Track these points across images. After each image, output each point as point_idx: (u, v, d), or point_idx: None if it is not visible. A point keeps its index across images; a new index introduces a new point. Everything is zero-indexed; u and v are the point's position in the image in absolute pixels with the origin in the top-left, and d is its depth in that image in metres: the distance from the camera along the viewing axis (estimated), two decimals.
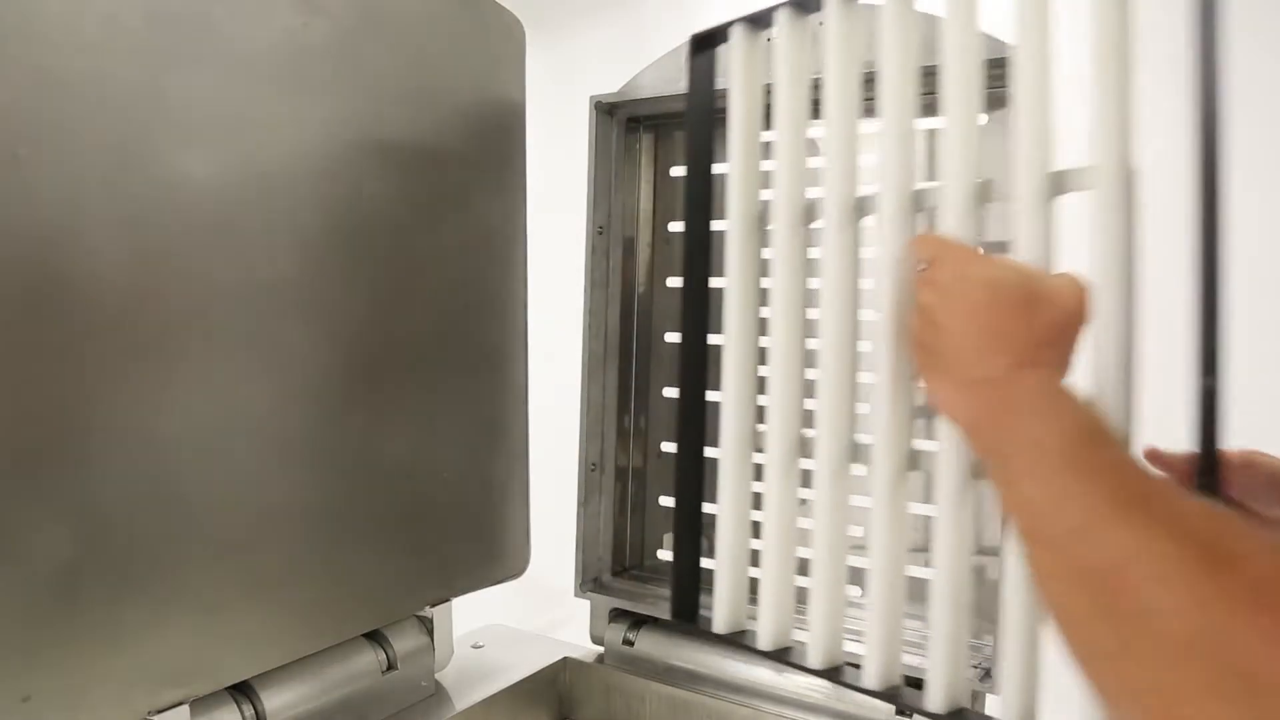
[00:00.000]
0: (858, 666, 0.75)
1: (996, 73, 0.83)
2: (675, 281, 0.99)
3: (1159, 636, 0.32)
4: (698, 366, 0.80)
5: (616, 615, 1.02)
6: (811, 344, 0.73)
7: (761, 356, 0.79)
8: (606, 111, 0.99)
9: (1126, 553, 0.33)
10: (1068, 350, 0.46)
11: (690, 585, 0.82)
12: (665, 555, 1.08)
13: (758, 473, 0.80)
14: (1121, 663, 0.33)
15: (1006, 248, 0.55)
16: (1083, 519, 0.36)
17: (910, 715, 0.83)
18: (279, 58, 0.73)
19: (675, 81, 0.94)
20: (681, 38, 0.96)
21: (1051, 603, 0.37)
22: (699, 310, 0.80)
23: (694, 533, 0.82)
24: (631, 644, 0.99)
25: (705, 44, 0.77)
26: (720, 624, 0.81)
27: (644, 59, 0.98)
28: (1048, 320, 0.45)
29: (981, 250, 0.53)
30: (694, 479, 0.81)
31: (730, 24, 0.74)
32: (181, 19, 0.65)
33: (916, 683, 0.74)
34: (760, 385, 0.79)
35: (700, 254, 0.79)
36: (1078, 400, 0.43)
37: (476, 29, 0.92)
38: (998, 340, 0.45)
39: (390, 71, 0.82)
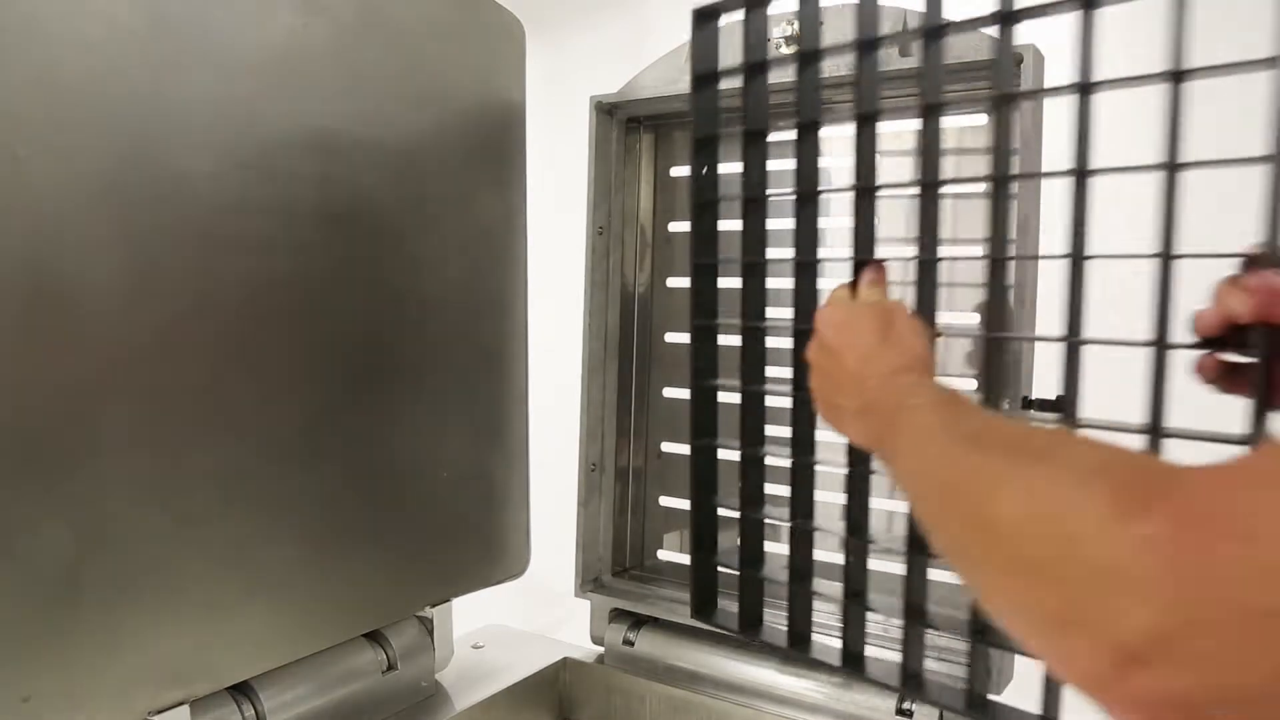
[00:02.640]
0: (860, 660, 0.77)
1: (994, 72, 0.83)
2: (675, 281, 0.98)
3: (990, 532, 0.40)
4: (709, 365, 0.82)
5: (616, 615, 1.02)
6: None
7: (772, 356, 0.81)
8: (606, 111, 0.99)
9: (963, 472, 0.44)
10: (922, 361, 0.59)
11: (708, 585, 0.84)
12: (665, 555, 1.08)
13: (773, 473, 0.82)
14: (965, 554, 0.42)
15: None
16: (939, 460, 0.47)
17: (911, 715, 0.83)
18: (279, 58, 0.72)
19: (675, 81, 0.94)
20: (682, 38, 0.96)
21: (930, 529, 0.46)
22: (707, 305, 0.81)
23: (711, 533, 0.84)
24: (631, 644, 0.99)
25: (708, 17, 0.80)
26: (739, 623, 0.82)
27: (644, 59, 0.98)
28: (901, 348, 0.59)
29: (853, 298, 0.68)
30: (709, 480, 0.83)
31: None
32: (182, 19, 0.65)
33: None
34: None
35: (707, 243, 0.81)
36: (937, 387, 0.55)
37: (476, 29, 0.92)
38: (867, 363, 0.59)
39: (390, 72, 0.82)
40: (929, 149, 0.70)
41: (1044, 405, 0.67)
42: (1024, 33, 0.78)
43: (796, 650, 0.79)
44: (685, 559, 1.00)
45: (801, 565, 0.78)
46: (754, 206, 0.77)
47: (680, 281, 1.01)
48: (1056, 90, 0.63)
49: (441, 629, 0.93)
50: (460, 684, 0.93)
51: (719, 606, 0.85)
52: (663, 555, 1.08)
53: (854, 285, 0.69)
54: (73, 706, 0.61)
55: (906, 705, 0.84)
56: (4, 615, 0.57)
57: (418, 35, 0.85)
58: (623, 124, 1.02)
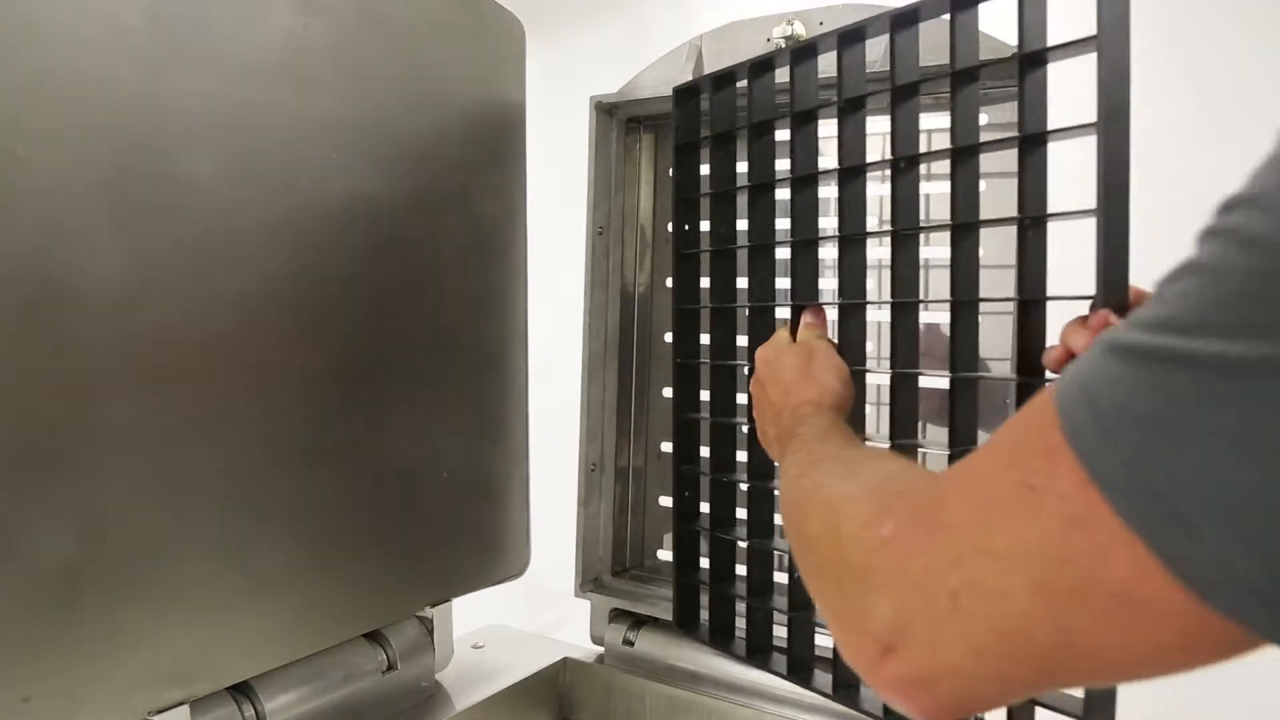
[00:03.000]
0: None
1: (996, 71, 0.83)
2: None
3: (805, 542, 0.48)
4: (692, 400, 0.92)
5: (616, 615, 1.02)
6: None
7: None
8: (606, 111, 0.99)
9: (797, 492, 0.51)
10: (829, 399, 0.67)
11: (690, 601, 0.92)
12: (665, 555, 1.08)
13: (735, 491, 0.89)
14: (798, 561, 0.49)
15: None
16: (790, 483, 0.54)
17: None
18: (279, 58, 0.72)
19: (675, 81, 0.94)
20: (681, 38, 0.96)
21: (789, 539, 0.52)
22: (689, 333, 0.92)
23: (692, 554, 0.92)
24: (631, 644, 0.99)
25: (687, 95, 0.91)
26: (709, 634, 0.90)
27: (644, 59, 0.98)
28: (813, 384, 0.67)
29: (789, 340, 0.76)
30: (692, 507, 0.92)
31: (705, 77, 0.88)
32: (181, 20, 0.65)
33: None
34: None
35: (689, 291, 0.92)
36: (826, 420, 0.62)
37: (476, 29, 0.92)
38: (786, 396, 0.68)
39: (390, 72, 0.82)
40: (853, 203, 0.78)
41: None
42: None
43: (754, 662, 0.86)
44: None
45: (759, 582, 0.86)
46: (722, 258, 0.88)
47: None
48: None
49: (441, 629, 0.93)
50: (460, 684, 0.93)
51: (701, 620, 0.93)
52: (663, 555, 1.08)
53: (793, 329, 0.77)
54: (73, 707, 0.61)
55: None
56: (4, 615, 0.57)
57: (418, 35, 0.85)
58: (623, 124, 1.02)
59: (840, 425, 0.62)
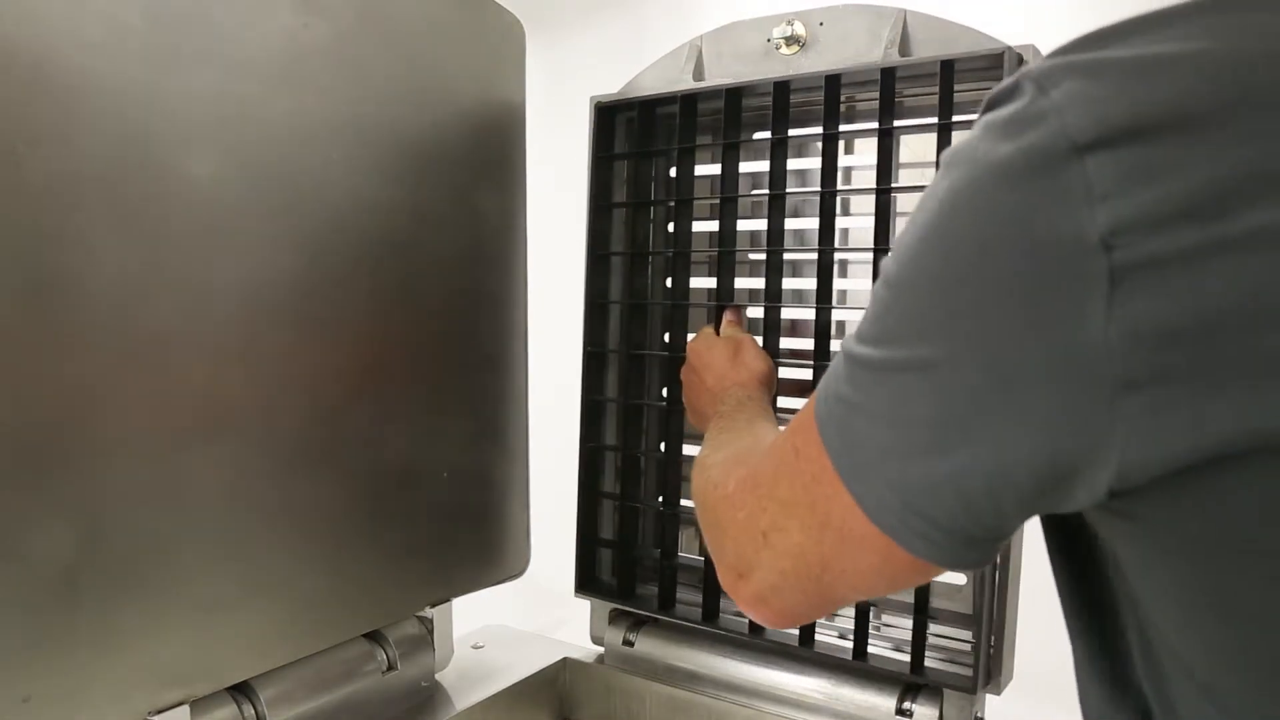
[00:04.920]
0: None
1: (995, 72, 0.83)
2: (672, 282, 0.99)
3: (694, 498, 0.59)
4: (599, 385, 1.03)
5: (616, 615, 1.02)
6: None
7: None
8: (605, 110, 0.99)
9: (700, 459, 0.64)
10: (758, 381, 0.79)
11: (590, 562, 1.04)
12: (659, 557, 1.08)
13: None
14: (705, 529, 0.57)
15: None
16: (702, 461, 0.63)
17: (910, 715, 0.83)
18: (279, 58, 0.72)
19: (675, 82, 0.95)
20: (682, 38, 0.96)
21: (698, 511, 0.60)
22: (598, 324, 1.01)
23: (593, 517, 1.04)
24: (631, 644, 0.99)
25: (608, 113, 1.00)
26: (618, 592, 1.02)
27: (644, 59, 0.98)
28: (744, 369, 0.80)
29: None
30: (595, 472, 1.04)
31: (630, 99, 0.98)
32: (181, 19, 0.65)
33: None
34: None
35: (600, 275, 1.01)
36: (749, 398, 0.74)
37: (476, 29, 0.92)
38: (720, 380, 0.79)
39: (390, 72, 0.82)
40: (778, 227, 0.90)
41: None
42: (1023, 33, 0.78)
43: (662, 612, 0.97)
44: (686, 559, 1.00)
45: (668, 544, 0.97)
46: (639, 262, 1.02)
47: (672, 281, 1.01)
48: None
49: (441, 629, 0.93)
50: (460, 684, 0.93)
51: (601, 580, 1.04)
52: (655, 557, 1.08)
53: (716, 325, 0.90)
54: (73, 706, 0.61)
55: (906, 705, 0.84)
56: (4, 615, 0.57)
57: (418, 35, 0.85)
58: (623, 124, 1.02)
59: (755, 403, 0.74)
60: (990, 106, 0.38)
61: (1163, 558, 0.37)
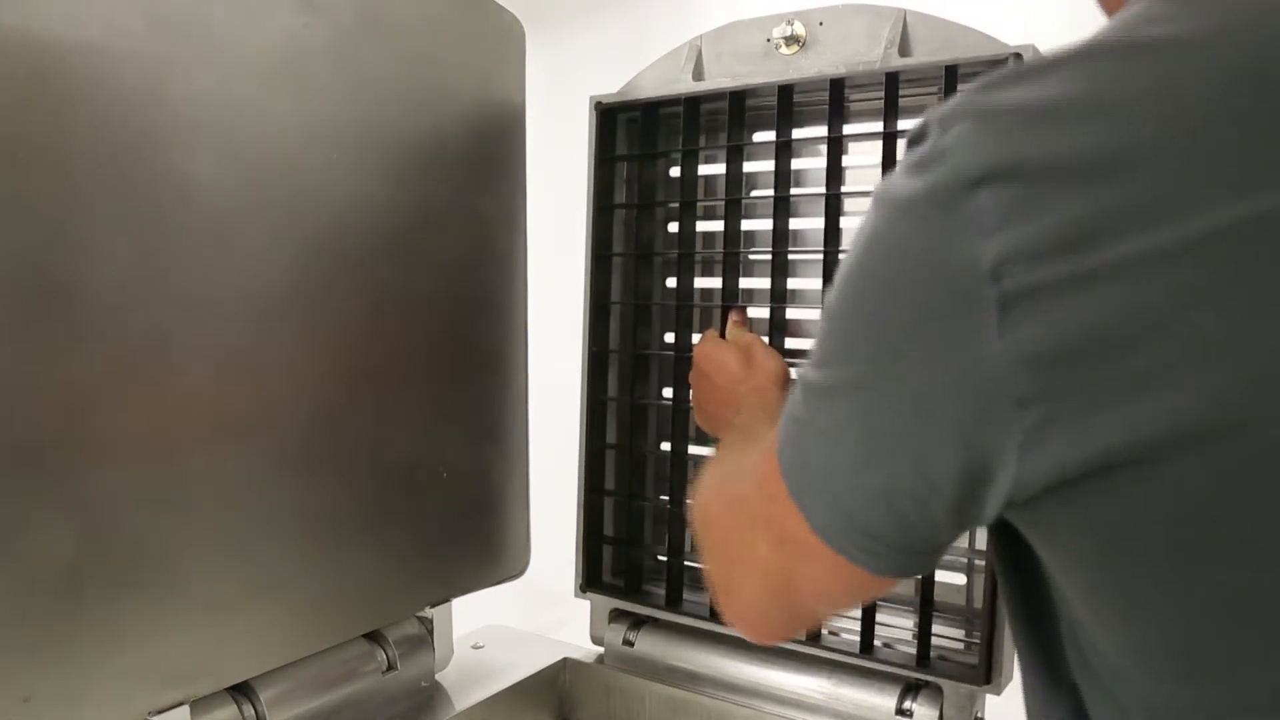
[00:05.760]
0: None
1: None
2: (675, 282, 0.99)
3: (700, 530, 0.58)
4: (602, 386, 1.03)
5: (616, 615, 1.02)
6: None
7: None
8: (606, 111, 0.99)
9: (704, 489, 0.60)
10: (774, 381, 0.76)
11: (595, 560, 1.03)
12: (665, 556, 1.08)
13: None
14: (705, 547, 0.57)
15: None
16: (702, 480, 0.62)
17: (911, 715, 0.83)
18: (279, 59, 0.73)
19: (675, 82, 0.94)
20: (682, 38, 0.96)
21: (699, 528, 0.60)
22: (601, 325, 1.01)
23: (598, 516, 1.03)
24: (631, 644, 1.00)
25: (609, 114, 1.00)
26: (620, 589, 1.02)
27: (644, 59, 0.98)
28: (759, 370, 0.76)
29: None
30: (599, 471, 1.03)
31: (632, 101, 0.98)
32: (182, 20, 0.65)
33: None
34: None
35: (603, 276, 1.01)
36: (756, 409, 0.71)
37: (476, 29, 0.92)
38: (735, 383, 0.77)
39: (390, 72, 0.82)
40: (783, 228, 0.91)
41: None
42: (1023, 33, 0.78)
43: (670, 609, 0.97)
44: (690, 559, 1.00)
45: (676, 542, 0.98)
46: (642, 262, 1.02)
47: (676, 282, 1.01)
48: None
49: (441, 629, 0.93)
50: (460, 684, 0.93)
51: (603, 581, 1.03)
52: (663, 556, 1.08)
53: (722, 327, 0.89)
54: (73, 706, 0.61)
55: (906, 705, 0.84)
56: (4, 615, 0.57)
57: (418, 35, 0.85)
58: (623, 124, 1.02)
59: (768, 411, 0.73)
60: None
61: (1070, 560, 0.41)
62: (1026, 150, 0.36)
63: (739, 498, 0.51)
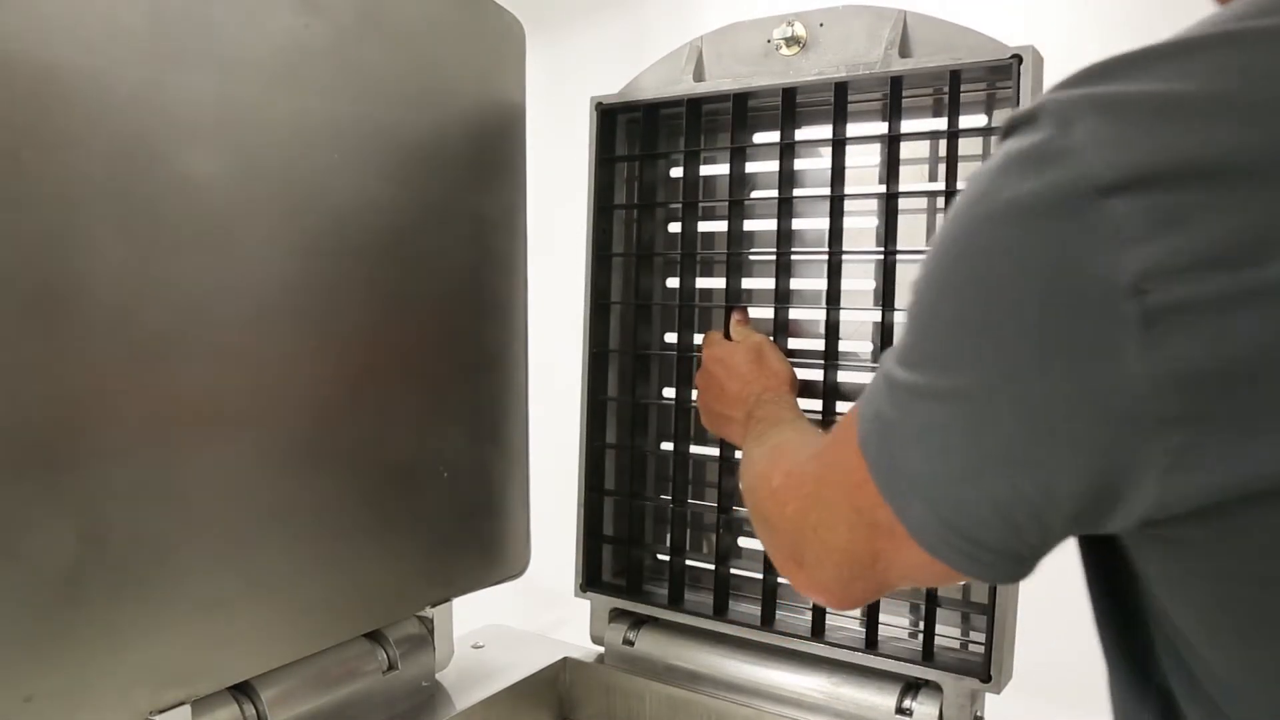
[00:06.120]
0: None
1: (997, 76, 0.84)
2: (675, 282, 0.99)
3: (744, 495, 0.64)
4: (602, 385, 1.03)
5: (616, 615, 1.02)
6: None
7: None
8: (607, 112, 0.99)
9: (748, 462, 0.66)
10: (785, 384, 0.79)
11: (595, 559, 1.04)
12: (665, 556, 1.08)
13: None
14: (754, 520, 0.61)
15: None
16: (746, 454, 0.67)
17: (910, 714, 0.83)
18: (279, 59, 0.73)
19: (676, 82, 0.95)
20: (681, 39, 0.96)
21: (748, 505, 0.63)
22: (601, 326, 1.02)
23: (597, 515, 1.04)
24: (631, 644, 1.00)
25: (609, 114, 1.00)
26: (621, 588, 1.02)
27: (644, 59, 0.98)
28: (770, 373, 0.80)
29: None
30: (599, 470, 1.03)
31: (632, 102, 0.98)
32: (182, 20, 0.65)
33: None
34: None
35: (603, 276, 1.02)
36: (782, 403, 0.75)
37: (476, 29, 0.92)
38: (746, 385, 0.79)
39: (390, 72, 0.82)
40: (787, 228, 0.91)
41: None
42: (1023, 33, 0.78)
43: (672, 608, 0.97)
44: (692, 558, 1.00)
45: (676, 541, 0.99)
46: (643, 263, 1.02)
47: (678, 282, 1.01)
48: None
49: (442, 629, 0.93)
50: (460, 684, 0.93)
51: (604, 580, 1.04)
52: (663, 555, 1.08)
53: (725, 329, 0.90)
54: (74, 706, 0.61)
55: (906, 704, 0.84)
56: (6, 615, 0.58)
57: (418, 35, 0.85)
58: (623, 124, 1.02)
59: (786, 404, 0.76)
60: (1009, 133, 0.38)
61: (1191, 579, 0.39)
62: (1172, 153, 0.33)
63: (803, 476, 0.52)
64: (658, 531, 1.05)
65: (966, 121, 0.83)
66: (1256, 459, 0.33)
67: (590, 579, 1.02)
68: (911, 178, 0.89)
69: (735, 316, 0.90)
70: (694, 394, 0.90)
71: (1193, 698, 0.42)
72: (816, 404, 0.89)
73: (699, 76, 0.94)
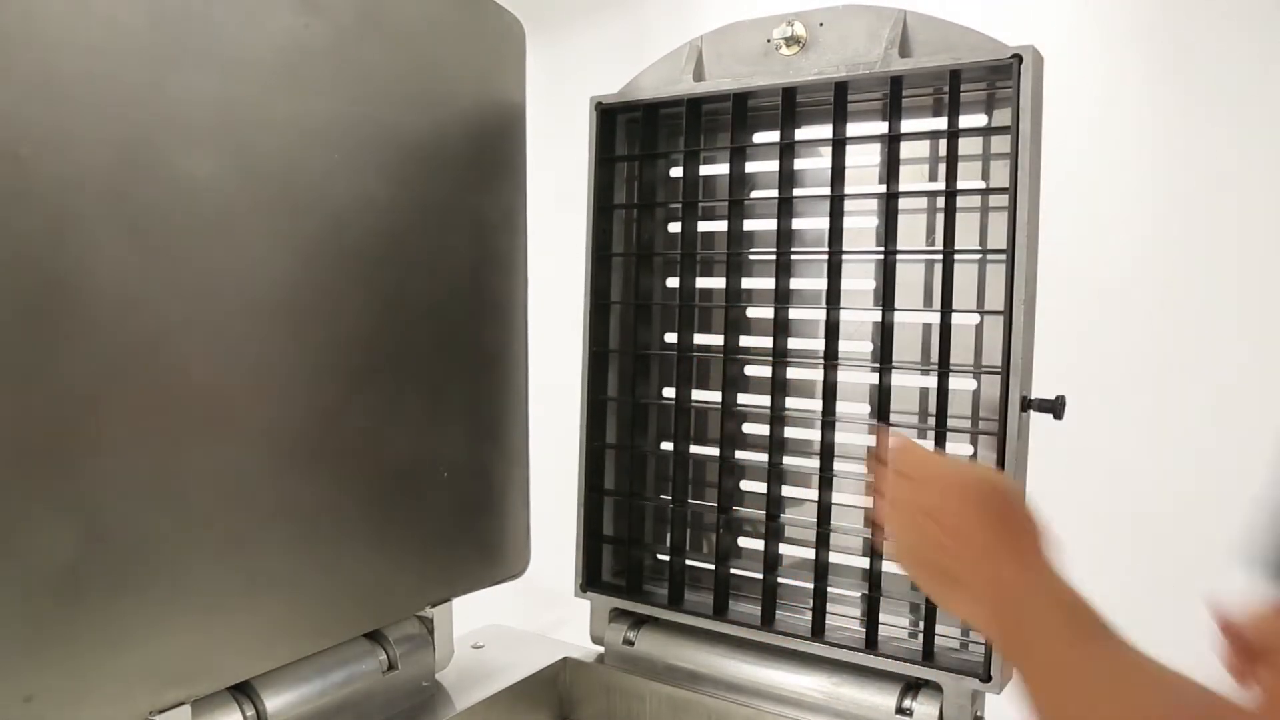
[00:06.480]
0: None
1: (997, 76, 0.83)
2: (674, 282, 0.99)
3: None
4: (602, 385, 1.02)
5: (616, 615, 1.02)
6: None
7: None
8: (606, 111, 0.99)
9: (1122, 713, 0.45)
10: (1040, 547, 0.55)
11: (595, 559, 1.03)
12: (665, 556, 1.08)
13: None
14: None
15: None
16: (1091, 689, 0.47)
17: (910, 714, 0.83)
18: (280, 59, 0.73)
19: (676, 82, 0.95)
20: (681, 38, 0.96)
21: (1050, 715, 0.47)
22: (601, 325, 1.01)
23: (597, 514, 1.03)
24: (631, 644, 1.00)
25: (609, 114, 1.00)
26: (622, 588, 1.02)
27: (644, 59, 0.98)
28: (1029, 529, 0.56)
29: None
30: (599, 470, 1.02)
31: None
32: (182, 20, 0.65)
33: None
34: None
35: (603, 276, 1.01)
36: (1067, 588, 0.52)
37: (476, 29, 0.92)
38: (1000, 551, 0.55)
39: (390, 72, 0.82)
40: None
41: (1042, 406, 0.74)
42: (1023, 34, 0.78)
43: (672, 608, 0.97)
44: (692, 558, 1.00)
45: (676, 541, 0.98)
46: (643, 262, 1.02)
47: (678, 282, 1.01)
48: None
49: (442, 629, 0.93)
50: (460, 684, 0.93)
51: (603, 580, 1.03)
52: (663, 555, 1.08)
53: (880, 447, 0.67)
54: (75, 706, 0.61)
55: (906, 704, 0.84)
56: (6, 615, 0.58)
57: (418, 35, 0.85)
58: (623, 124, 1.02)
59: (1074, 595, 0.53)
60: None
61: None
62: None
63: None
64: (658, 531, 1.05)
65: (966, 121, 0.83)
66: None
67: (590, 579, 1.02)
68: (911, 177, 0.89)
69: (892, 443, 0.64)
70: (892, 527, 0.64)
71: None
72: (816, 404, 0.89)
73: (699, 76, 0.94)
